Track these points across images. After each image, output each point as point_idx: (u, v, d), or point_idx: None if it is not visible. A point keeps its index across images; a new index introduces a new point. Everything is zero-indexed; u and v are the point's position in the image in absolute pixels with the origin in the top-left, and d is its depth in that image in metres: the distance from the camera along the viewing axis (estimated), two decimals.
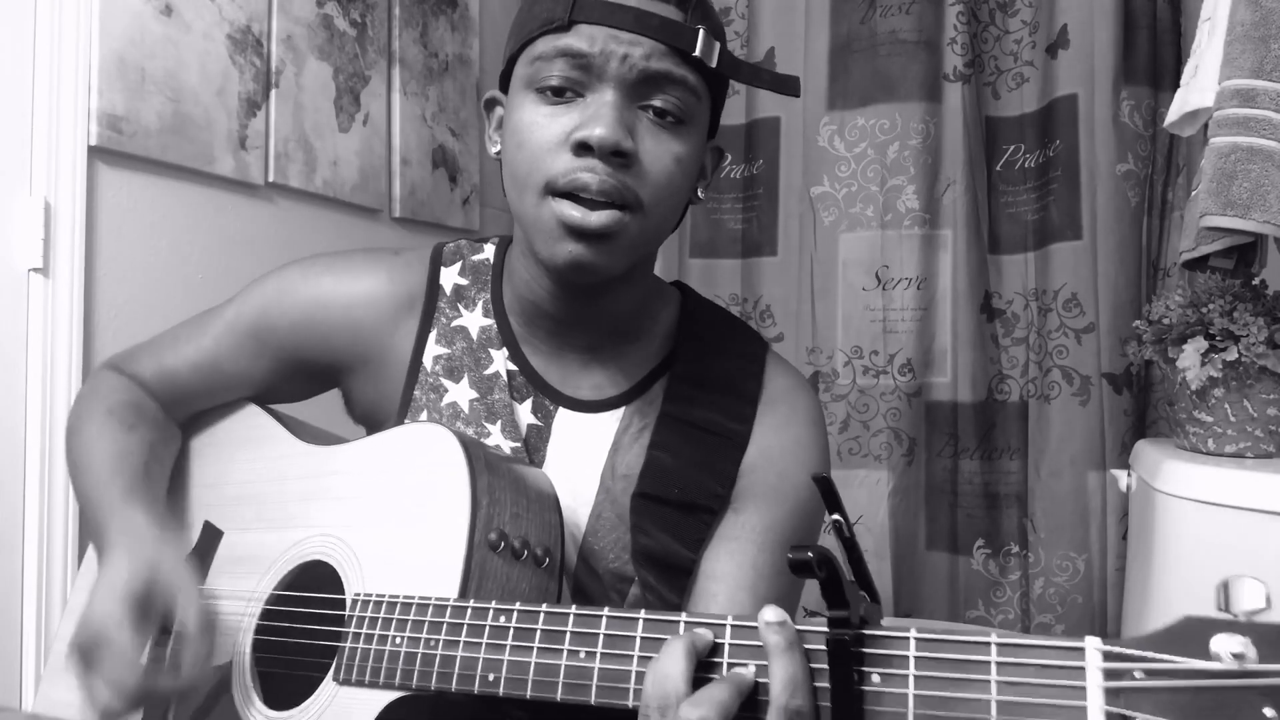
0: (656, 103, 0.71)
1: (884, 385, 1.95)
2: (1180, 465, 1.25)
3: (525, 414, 0.82)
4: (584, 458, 0.81)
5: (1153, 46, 1.83)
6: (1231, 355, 1.23)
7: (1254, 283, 1.32)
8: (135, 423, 0.86)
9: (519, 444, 0.80)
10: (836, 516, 0.50)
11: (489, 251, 0.88)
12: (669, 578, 0.77)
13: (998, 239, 1.96)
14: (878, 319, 1.97)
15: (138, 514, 0.77)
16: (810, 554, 0.48)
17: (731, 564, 0.76)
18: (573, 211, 0.69)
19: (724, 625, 0.55)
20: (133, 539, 0.75)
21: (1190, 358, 1.25)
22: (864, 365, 1.97)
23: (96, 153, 1.36)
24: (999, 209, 1.96)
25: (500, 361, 0.82)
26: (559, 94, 0.70)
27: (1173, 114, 1.36)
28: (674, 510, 0.77)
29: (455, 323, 0.84)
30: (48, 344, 1.29)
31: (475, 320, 0.84)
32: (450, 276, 0.86)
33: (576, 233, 0.70)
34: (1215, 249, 1.25)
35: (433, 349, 0.83)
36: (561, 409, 0.82)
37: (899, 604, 1.95)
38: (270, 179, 1.64)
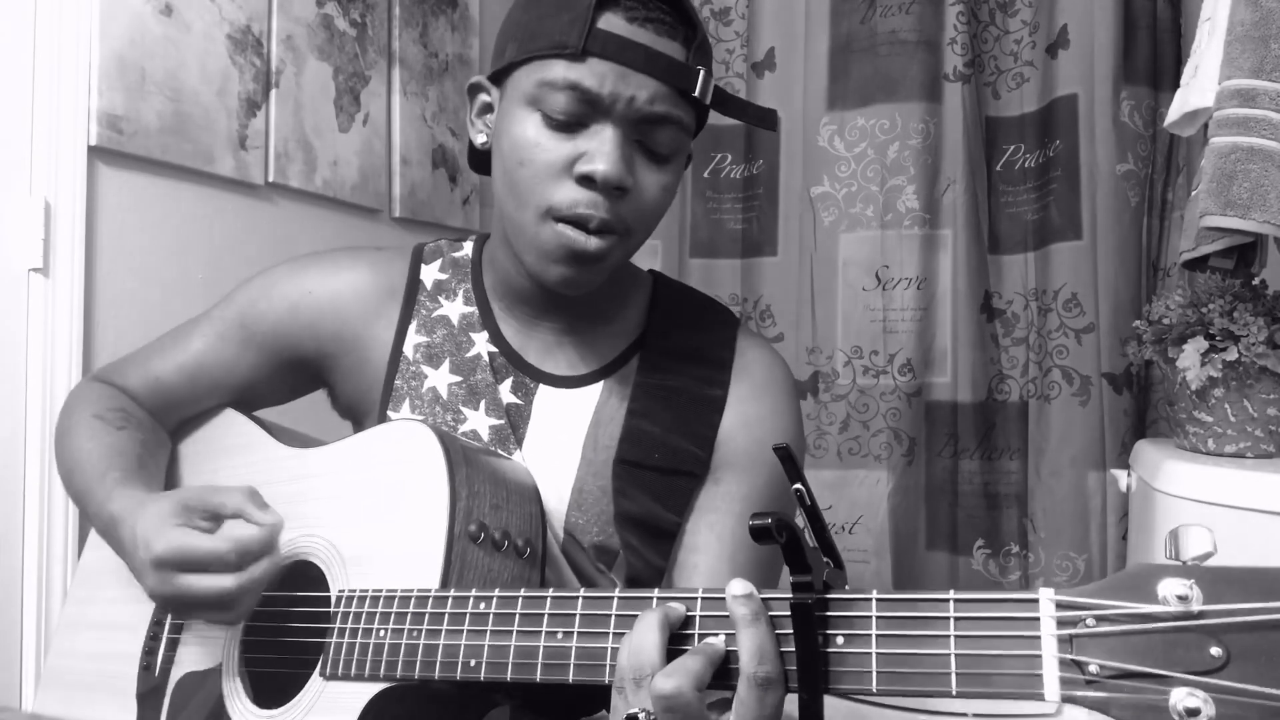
0: (653, 144, 0.75)
1: (884, 385, 1.95)
2: (1180, 465, 1.25)
3: (505, 393, 0.84)
4: (565, 433, 0.83)
5: (1153, 46, 1.82)
6: (1231, 355, 1.23)
7: (1254, 283, 1.32)
8: (124, 424, 0.87)
9: (502, 421, 0.82)
10: (798, 486, 0.52)
11: (468, 248, 0.91)
12: (652, 541, 0.80)
13: (998, 239, 1.96)
14: (878, 319, 1.97)
15: (138, 490, 0.78)
16: (769, 520, 0.49)
17: (711, 536, 0.80)
18: (576, 235, 0.73)
19: (695, 598, 0.57)
20: (147, 496, 0.76)
21: (1190, 358, 1.25)
22: (864, 365, 1.97)
23: (96, 153, 1.36)
24: (999, 209, 1.96)
25: (481, 344, 0.85)
26: (563, 126, 0.73)
27: (1173, 114, 1.36)
28: (655, 475, 0.80)
29: (436, 313, 0.87)
30: (48, 344, 1.29)
31: (456, 308, 0.87)
32: (431, 273, 0.89)
33: (575, 257, 0.74)
34: (1215, 249, 1.25)
35: (413, 338, 0.86)
36: (542, 386, 0.84)
37: None
38: (270, 179, 1.64)
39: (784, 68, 2.05)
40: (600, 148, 0.72)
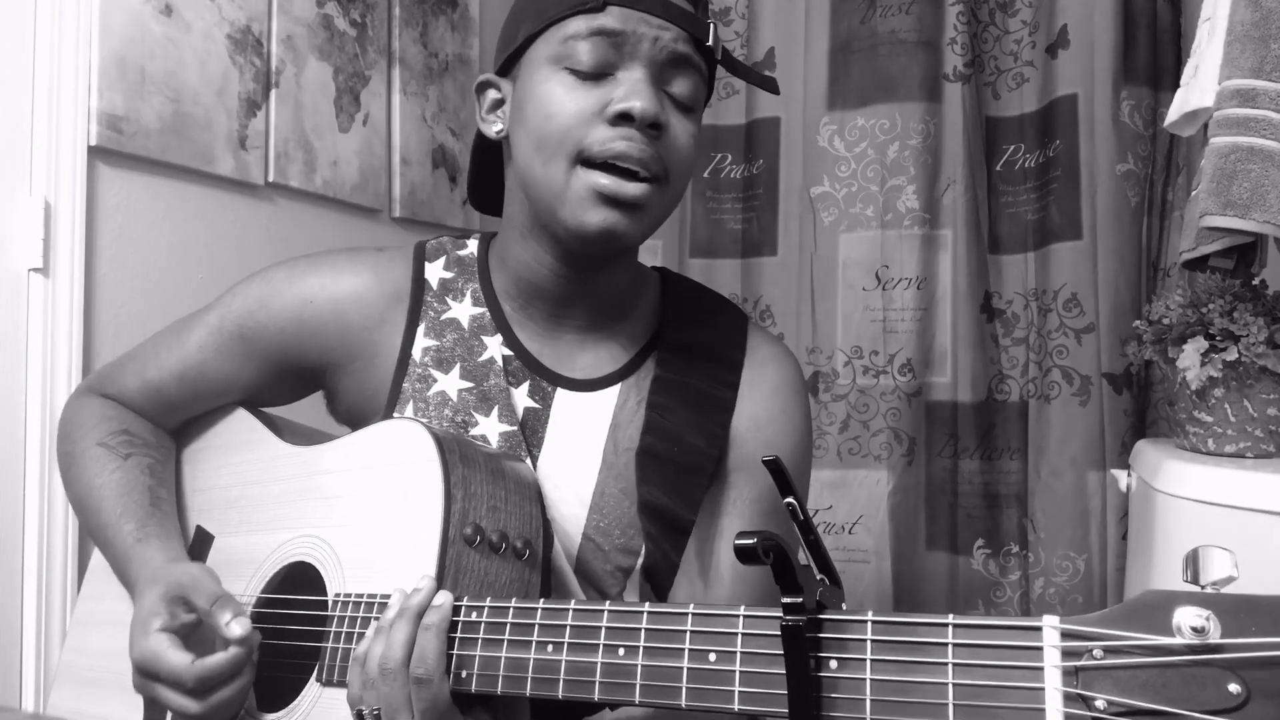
0: (676, 88, 0.76)
1: (884, 385, 1.95)
2: (1180, 465, 1.24)
3: (522, 398, 0.82)
4: (585, 436, 0.82)
5: (1153, 46, 1.82)
6: (1231, 355, 1.23)
7: (1254, 283, 1.32)
8: (130, 450, 0.87)
9: (515, 428, 0.81)
10: (790, 500, 0.50)
11: (472, 246, 0.89)
12: (670, 535, 0.79)
13: (998, 239, 1.96)
14: (878, 319, 1.97)
15: (152, 551, 0.79)
16: (754, 540, 0.47)
17: (721, 543, 0.80)
18: (606, 180, 0.73)
19: (686, 614, 0.56)
20: (153, 572, 0.77)
21: (1190, 358, 1.25)
22: (864, 365, 1.97)
23: (96, 153, 1.36)
24: (999, 209, 1.96)
25: (495, 347, 0.83)
26: (590, 75, 0.73)
27: (1173, 114, 1.36)
28: (673, 468, 0.79)
29: (445, 315, 0.85)
30: (48, 344, 1.29)
31: (465, 310, 0.85)
32: (435, 271, 0.87)
33: (611, 201, 0.73)
34: (1215, 249, 1.25)
35: (422, 341, 0.84)
36: (560, 389, 0.83)
37: (899, 604, 1.94)
38: (270, 179, 1.64)
39: (784, 68, 2.05)
40: (633, 87, 0.72)
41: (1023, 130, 1.94)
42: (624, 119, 0.72)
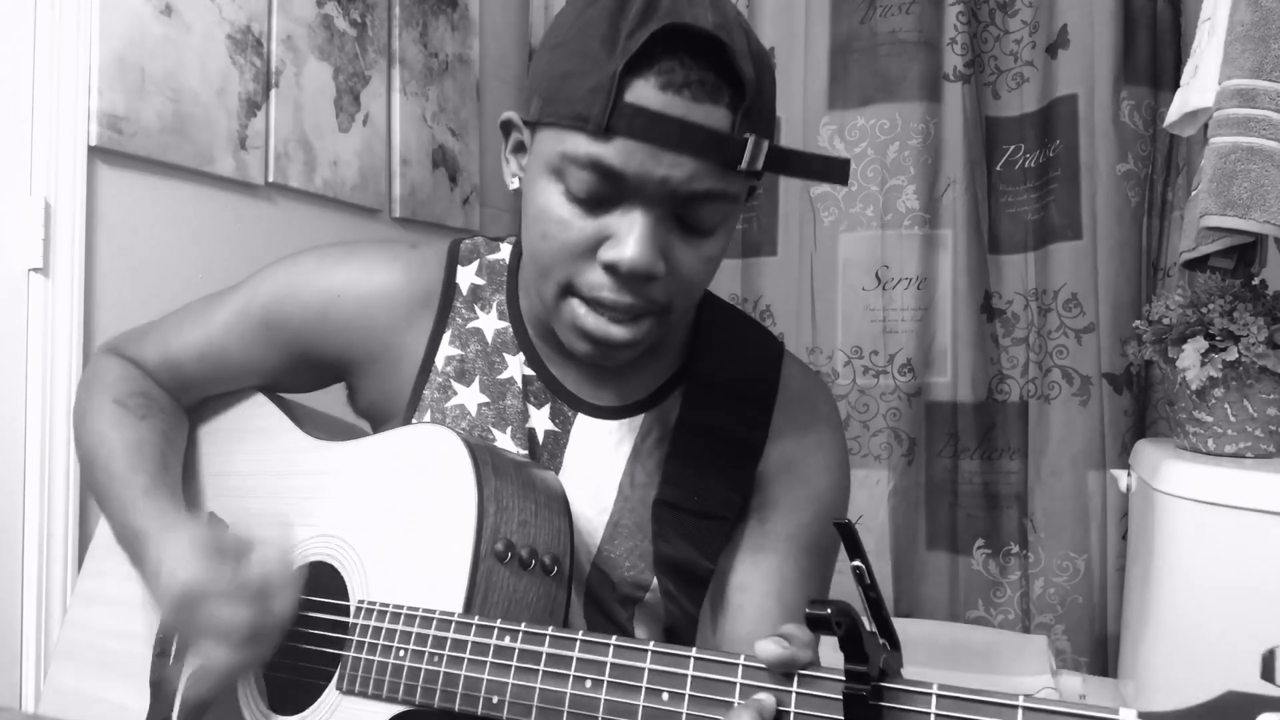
0: (693, 220, 0.67)
1: (884, 385, 1.96)
2: (1180, 465, 1.25)
3: (543, 420, 0.80)
4: (603, 465, 0.80)
5: (1153, 46, 1.83)
6: (1231, 355, 1.23)
7: (1254, 283, 1.32)
8: (146, 411, 0.85)
9: (525, 452, 0.79)
10: (858, 563, 0.49)
11: (504, 252, 0.86)
12: (689, 588, 0.77)
13: (998, 239, 1.96)
14: (878, 319, 1.97)
15: (165, 503, 0.77)
16: (828, 610, 0.46)
17: (758, 574, 0.77)
18: (593, 321, 0.69)
19: (737, 664, 0.53)
20: (170, 524, 0.74)
21: (1190, 358, 1.25)
22: (864, 365, 1.97)
23: (96, 153, 1.36)
24: (999, 209, 1.96)
25: (516, 366, 0.81)
26: (589, 203, 0.66)
27: (1173, 114, 1.36)
28: (693, 518, 0.77)
29: (471, 324, 0.82)
30: (48, 344, 1.29)
31: (490, 323, 0.82)
32: (467, 276, 0.84)
33: (597, 340, 0.69)
34: (1215, 249, 1.26)
35: (446, 349, 0.82)
36: (580, 415, 0.80)
37: (899, 604, 1.95)
38: (270, 179, 1.64)
39: (784, 68, 2.05)
40: (628, 232, 0.65)
41: (1023, 130, 1.94)
42: (613, 268, 0.66)
